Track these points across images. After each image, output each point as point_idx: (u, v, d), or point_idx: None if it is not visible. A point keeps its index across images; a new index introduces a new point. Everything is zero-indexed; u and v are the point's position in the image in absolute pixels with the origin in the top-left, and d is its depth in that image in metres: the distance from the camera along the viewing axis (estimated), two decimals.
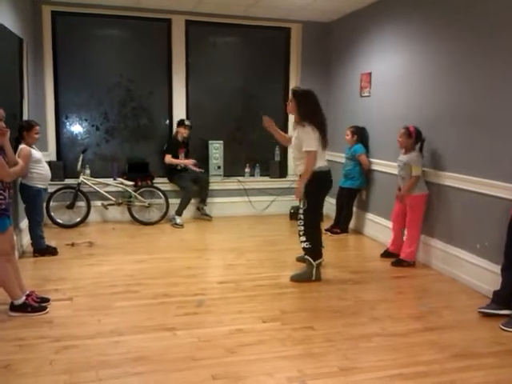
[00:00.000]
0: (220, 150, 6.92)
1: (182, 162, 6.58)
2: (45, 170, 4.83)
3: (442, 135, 4.63)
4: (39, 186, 4.77)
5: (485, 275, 4.05)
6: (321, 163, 4.23)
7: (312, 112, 4.20)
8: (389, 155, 5.47)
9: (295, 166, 4.41)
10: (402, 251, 4.83)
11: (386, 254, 5.03)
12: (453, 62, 4.50)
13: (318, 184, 4.21)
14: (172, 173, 6.59)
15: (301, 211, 4.27)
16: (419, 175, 4.65)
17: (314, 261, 4.27)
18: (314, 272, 4.28)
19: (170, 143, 6.65)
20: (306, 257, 4.31)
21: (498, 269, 3.71)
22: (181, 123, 6.57)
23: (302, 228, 4.26)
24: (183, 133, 6.55)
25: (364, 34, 6.09)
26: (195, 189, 6.58)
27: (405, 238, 4.83)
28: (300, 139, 4.18)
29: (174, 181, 6.60)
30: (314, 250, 4.28)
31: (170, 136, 6.83)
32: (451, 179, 4.50)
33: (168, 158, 6.51)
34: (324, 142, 4.22)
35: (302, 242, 4.29)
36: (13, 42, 5.06)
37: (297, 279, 4.30)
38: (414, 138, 4.70)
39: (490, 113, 4.05)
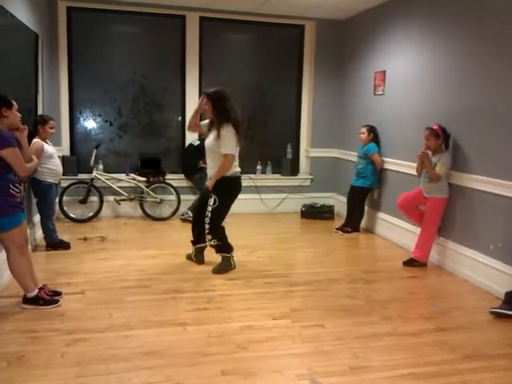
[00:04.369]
0: None
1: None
2: (56, 165, 4.87)
3: (457, 135, 4.58)
4: (50, 180, 4.81)
5: (497, 276, 4.00)
6: (237, 168, 4.39)
7: (229, 112, 4.27)
8: (402, 154, 5.44)
9: (209, 167, 4.41)
10: (414, 251, 4.79)
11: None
12: (470, 62, 4.44)
13: (232, 189, 4.40)
14: (194, 172, 6.47)
15: (209, 209, 4.32)
16: (441, 175, 4.53)
17: (229, 253, 4.47)
18: (232, 261, 4.49)
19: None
20: (219, 254, 4.47)
21: (510, 270, 3.68)
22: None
23: (208, 226, 4.36)
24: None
25: (378, 31, 6.05)
26: None
27: (418, 238, 4.76)
28: (221, 140, 4.20)
29: (193, 180, 6.56)
30: (224, 245, 4.46)
31: (183, 133, 6.84)
32: (464, 180, 4.45)
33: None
34: (240, 144, 4.33)
35: (208, 239, 4.43)
36: (29, 37, 5.10)
37: (219, 271, 4.41)
38: (442, 137, 4.54)
39: (508, 112, 4.00)
